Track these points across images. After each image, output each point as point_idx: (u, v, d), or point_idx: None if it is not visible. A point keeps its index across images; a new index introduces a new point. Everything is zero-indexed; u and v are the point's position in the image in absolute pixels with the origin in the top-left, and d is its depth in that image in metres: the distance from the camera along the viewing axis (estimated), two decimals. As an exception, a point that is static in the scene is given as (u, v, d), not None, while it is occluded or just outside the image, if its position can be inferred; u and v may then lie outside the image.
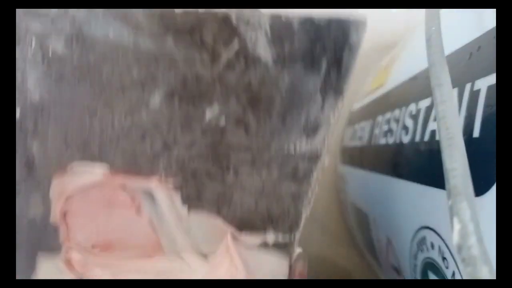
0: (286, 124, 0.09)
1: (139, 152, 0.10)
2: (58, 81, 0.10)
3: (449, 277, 0.11)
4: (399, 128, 0.14)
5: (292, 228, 0.10)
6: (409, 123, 0.13)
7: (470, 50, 0.11)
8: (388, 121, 0.16)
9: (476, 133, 0.09)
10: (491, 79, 0.09)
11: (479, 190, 0.09)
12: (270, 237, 0.10)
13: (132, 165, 0.10)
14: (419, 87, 0.14)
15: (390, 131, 0.15)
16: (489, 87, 0.09)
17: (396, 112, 0.15)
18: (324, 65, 0.09)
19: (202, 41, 0.09)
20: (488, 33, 0.10)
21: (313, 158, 0.09)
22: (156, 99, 0.10)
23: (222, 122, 0.10)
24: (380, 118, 0.17)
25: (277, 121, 0.09)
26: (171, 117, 0.10)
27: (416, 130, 0.13)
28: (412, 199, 0.13)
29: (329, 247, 0.26)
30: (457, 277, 0.10)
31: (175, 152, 0.10)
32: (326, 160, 0.09)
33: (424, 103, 0.13)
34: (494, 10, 0.10)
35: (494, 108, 0.09)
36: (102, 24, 0.09)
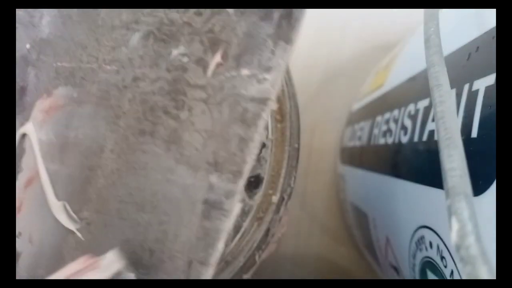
0: (240, 66, 0.10)
1: (112, 83, 0.11)
2: (66, 21, 0.13)
3: (447, 276, 0.11)
4: (398, 128, 0.14)
5: (235, 174, 0.10)
6: (408, 123, 0.14)
7: (468, 51, 0.11)
8: (387, 121, 0.16)
9: (474, 133, 0.10)
10: (490, 79, 0.09)
11: (478, 189, 0.09)
12: (213, 179, 0.10)
13: (104, 93, 0.12)
14: (418, 87, 0.14)
15: (389, 131, 0.15)
16: (487, 88, 0.09)
17: (395, 112, 0.15)
18: (276, 16, 0.10)
19: None
20: (486, 33, 0.10)
21: (263, 101, 0.09)
22: (135, 38, 0.11)
23: (185, 60, 0.11)
24: (379, 118, 0.17)
25: (232, 63, 0.10)
26: (144, 54, 0.11)
27: (414, 130, 0.13)
28: (411, 199, 0.13)
29: (328, 246, 0.26)
30: (456, 275, 0.10)
31: (141, 85, 0.11)
32: (274, 105, 0.09)
33: (422, 104, 0.13)
34: (494, 10, 0.10)
35: (492, 108, 0.09)
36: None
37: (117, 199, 0.11)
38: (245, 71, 0.10)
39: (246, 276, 0.14)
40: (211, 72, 0.10)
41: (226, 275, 0.14)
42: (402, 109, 0.14)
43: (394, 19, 0.25)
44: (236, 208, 0.10)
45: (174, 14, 0.11)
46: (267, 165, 0.15)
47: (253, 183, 0.15)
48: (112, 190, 0.11)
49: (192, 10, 0.11)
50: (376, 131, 0.17)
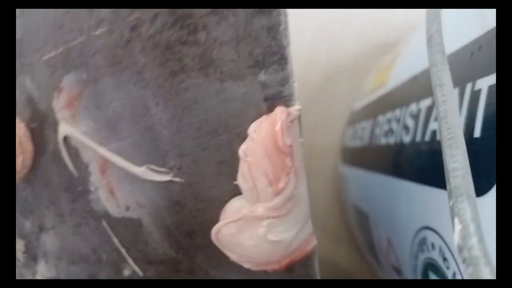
0: None
1: (112, 45, 0.11)
2: (29, 14, 0.12)
3: (450, 277, 0.11)
4: (400, 128, 0.14)
5: (280, 62, 0.10)
6: (410, 123, 0.13)
7: (471, 50, 0.11)
8: (388, 121, 0.16)
9: (477, 133, 0.09)
10: (492, 78, 0.09)
11: (480, 190, 0.09)
12: (262, 77, 0.10)
13: (111, 58, 0.11)
14: (420, 86, 0.14)
15: (390, 131, 0.15)
16: (490, 87, 0.09)
17: (397, 112, 0.15)
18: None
19: None
20: (489, 32, 0.10)
21: None
22: None
23: None
24: (380, 118, 0.17)
25: None
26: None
27: (417, 130, 0.13)
28: (412, 199, 0.13)
29: (329, 247, 0.26)
30: (458, 277, 0.10)
31: (143, 30, 0.11)
32: None
33: (425, 103, 0.13)
34: (495, 10, 0.10)
35: (495, 107, 0.09)
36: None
37: (190, 137, 0.11)
38: None
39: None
40: None
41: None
42: (404, 108, 0.14)
43: (396, 18, 0.25)
44: (295, 89, 0.10)
45: None
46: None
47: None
48: (180, 134, 0.11)
49: None
50: (377, 130, 0.17)
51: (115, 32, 0.11)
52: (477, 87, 0.10)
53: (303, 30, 0.26)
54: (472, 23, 0.11)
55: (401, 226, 0.14)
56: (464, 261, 0.07)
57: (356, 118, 0.22)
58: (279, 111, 0.10)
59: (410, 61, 0.16)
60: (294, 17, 0.28)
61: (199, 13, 0.10)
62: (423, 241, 0.12)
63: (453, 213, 0.07)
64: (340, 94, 0.26)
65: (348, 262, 0.26)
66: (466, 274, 0.07)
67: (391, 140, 0.15)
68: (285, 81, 0.10)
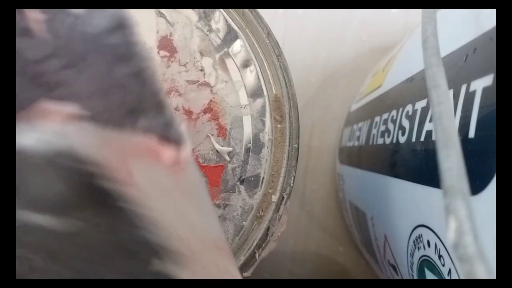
0: None
1: None
2: None
3: (445, 274, 0.11)
4: (396, 129, 0.15)
5: (158, 108, 0.09)
6: (406, 123, 0.14)
7: (466, 52, 0.11)
8: (385, 122, 0.16)
9: (471, 133, 0.10)
10: (487, 80, 0.09)
11: (475, 189, 0.09)
12: (144, 123, 0.09)
13: None
14: (415, 88, 0.14)
15: (387, 131, 0.15)
16: (485, 89, 0.09)
17: (393, 113, 0.15)
18: None
19: None
20: (484, 35, 0.10)
21: (120, 26, 0.09)
22: None
23: None
24: (377, 119, 0.17)
25: None
26: None
27: (412, 130, 0.13)
28: (408, 198, 0.13)
29: (327, 245, 0.26)
30: (454, 274, 0.10)
31: None
32: (139, 28, 0.09)
33: (420, 104, 0.13)
34: (491, 11, 0.10)
35: (490, 108, 0.09)
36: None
37: None
38: None
39: (246, 274, 0.14)
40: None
41: (227, 274, 0.14)
42: (400, 109, 0.14)
43: (393, 21, 0.26)
44: (183, 128, 0.09)
45: None
46: (267, 164, 0.15)
47: (253, 182, 0.15)
48: None
49: None
50: (374, 131, 0.17)
51: None
52: (471, 88, 0.10)
53: (302, 32, 0.26)
54: (467, 26, 0.11)
55: (397, 224, 0.14)
56: (459, 259, 0.07)
57: (353, 119, 0.23)
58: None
59: (406, 63, 0.16)
60: (294, 18, 0.28)
61: (53, 68, 0.09)
62: (419, 239, 0.12)
63: (447, 211, 0.07)
64: (338, 96, 0.26)
65: (346, 260, 0.26)
66: (461, 272, 0.07)
67: (388, 140, 0.15)
68: (168, 125, 0.09)
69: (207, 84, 0.15)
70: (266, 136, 0.15)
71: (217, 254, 0.10)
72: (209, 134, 0.15)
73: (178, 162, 0.09)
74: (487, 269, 0.07)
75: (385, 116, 0.16)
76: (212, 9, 0.15)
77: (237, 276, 0.10)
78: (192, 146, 0.10)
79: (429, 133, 0.12)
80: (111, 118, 0.09)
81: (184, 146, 0.09)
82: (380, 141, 0.16)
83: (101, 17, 0.09)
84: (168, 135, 0.09)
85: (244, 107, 0.15)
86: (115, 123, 0.09)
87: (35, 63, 0.09)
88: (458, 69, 0.11)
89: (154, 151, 0.09)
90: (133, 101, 0.09)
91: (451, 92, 0.11)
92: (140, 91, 0.09)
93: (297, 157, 0.15)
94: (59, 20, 0.09)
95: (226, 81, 0.15)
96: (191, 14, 0.15)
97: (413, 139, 0.13)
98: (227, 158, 0.15)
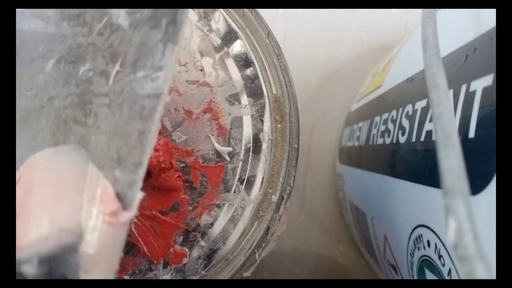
0: (136, 70, 0.11)
1: (32, 107, 0.13)
2: None
3: (445, 274, 0.11)
4: (396, 129, 0.15)
5: (137, 165, 0.10)
6: (406, 123, 0.14)
7: (466, 52, 0.11)
8: (385, 122, 0.16)
9: (471, 133, 0.10)
10: (487, 80, 0.09)
11: (475, 189, 0.09)
12: (117, 173, 0.11)
13: (25, 117, 0.13)
14: (415, 88, 0.14)
15: (387, 131, 0.15)
16: (485, 89, 0.10)
17: (393, 113, 0.15)
18: (164, 23, 0.11)
19: (84, 21, 0.13)
20: (484, 35, 0.10)
21: (157, 96, 0.11)
22: (50, 64, 0.13)
23: (90, 74, 0.12)
24: (377, 119, 0.17)
25: (129, 69, 0.11)
26: (57, 76, 0.13)
27: (412, 130, 0.13)
28: (408, 198, 0.13)
29: (327, 245, 0.26)
30: (454, 274, 0.10)
31: (55, 102, 0.12)
32: (167, 99, 0.10)
33: (420, 104, 0.13)
34: (491, 11, 0.10)
35: (489, 108, 0.09)
36: (26, 19, 0.13)
37: None
38: (140, 73, 0.11)
39: (246, 274, 0.14)
40: (112, 80, 0.12)
41: (227, 274, 0.14)
42: (400, 109, 0.14)
43: (393, 21, 0.26)
44: (138, 196, 0.10)
45: (81, 38, 0.13)
46: (267, 164, 0.15)
47: (253, 182, 0.15)
48: None
49: (94, 32, 0.12)
50: (374, 131, 0.17)
51: (38, 97, 0.13)
52: (471, 88, 0.10)
53: (302, 32, 0.26)
54: (467, 26, 0.11)
55: (397, 224, 0.14)
56: (459, 259, 0.07)
57: (353, 119, 0.23)
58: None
59: (406, 63, 0.16)
60: (294, 18, 0.28)
61: (98, 103, 0.12)
62: (419, 239, 0.12)
63: (447, 211, 0.07)
64: (338, 96, 0.26)
65: (346, 260, 0.26)
66: (461, 271, 0.07)
67: (388, 140, 0.15)
68: (132, 184, 0.10)
69: (207, 84, 0.15)
70: (266, 136, 0.15)
71: None
72: (209, 134, 0.15)
73: (115, 215, 0.10)
74: (487, 269, 0.07)
75: (385, 116, 0.16)
76: (212, 9, 0.15)
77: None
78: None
79: (429, 133, 0.12)
80: (103, 157, 0.11)
81: (128, 212, 0.10)
82: (380, 141, 0.16)
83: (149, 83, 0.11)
84: (124, 197, 0.10)
85: (244, 107, 0.15)
86: (101, 163, 0.11)
87: None
88: (458, 69, 0.11)
89: (107, 200, 0.11)
90: (125, 152, 0.11)
91: (451, 92, 0.11)
92: (135, 147, 0.10)
93: (297, 157, 0.15)
94: None
95: (226, 81, 0.15)
96: (191, 14, 0.15)
97: (413, 139, 0.13)
98: (227, 158, 0.15)
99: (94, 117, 0.11)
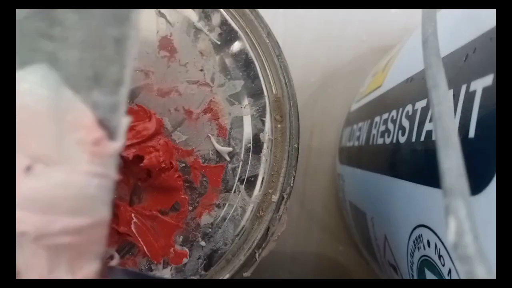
0: None
1: None
2: None
3: (445, 274, 0.11)
4: (396, 129, 0.15)
5: (117, 83, 0.09)
6: (406, 123, 0.14)
7: (466, 52, 0.11)
8: (385, 122, 0.16)
9: (471, 133, 0.10)
10: (487, 80, 0.09)
11: (475, 189, 0.09)
12: (95, 96, 0.09)
13: None
14: (415, 88, 0.14)
15: (387, 131, 0.15)
16: (485, 89, 0.10)
17: (393, 113, 0.15)
18: None
19: None
20: (484, 35, 0.10)
21: None
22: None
23: None
24: (377, 119, 0.17)
25: None
26: None
27: (412, 130, 0.13)
28: (408, 198, 0.13)
29: (327, 245, 0.26)
30: (454, 274, 0.10)
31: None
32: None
33: (420, 104, 0.13)
34: (491, 11, 0.10)
35: (489, 108, 0.09)
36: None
37: None
38: None
39: (246, 274, 0.14)
40: None
41: (227, 274, 0.14)
42: (400, 109, 0.14)
43: (393, 21, 0.26)
44: (124, 121, 0.09)
45: None
46: (267, 164, 0.15)
47: (253, 182, 0.15)
48: None
49: None
50: (374, 131, 0.17)
51: None
52: (471, 88, 0.10)
53: (302, 32, 0.26)
54: (467, 26, 0.11)
55: (397, 224, 0.14)
56: (459, 259, 0.07)
57: (353, 119, 0.23)
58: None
59: (406, 63, 0.16)
60: (294, 18, 0.28)
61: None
62: (419, 239, 0.12)
63: (447, 211, 0.07)
64: (338, 96, 0.26)
65: (346, 260, 0.26)
66: (461, 271, 0.07)
67: (388, 140, 0.15)
68: (115, 108, 0.09)
69: (207, 84, 0.15)
70: (266, 136, 0.15)
71: None
72: (209, 134, 0.15)
73: (98, 144, 0.09)
74: (487, 269, 0.07)
75: (385, 116, 0.16)
76: (212, 9, 0.15)
77: None
78: (125, 145, 0.10)
79: (429, 133, 0.12)
80: (77, 76, 0.09)
81: (115, 142, 0.09)
82: (380, 141, 0.16)
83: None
84: (108, 124, 0.09)
85: (244, 107, 0.15)
86: (76, 84, 0.09)
87: None
88: (458, 69, 0.11)
89: (87, 127, 0.09)
90: (101, 67, 0.09)
91: (451, 92, 0.11)
92: (112, 59, 0.09)
93: (297, 157, 0.15)
94: None
95: (226, 81, 0.15)
96: (191, 14, 0.15)
97: (413, 139, 0.13)
98: (227, 158, 0.15)
99: (60, 26, 0.09)
